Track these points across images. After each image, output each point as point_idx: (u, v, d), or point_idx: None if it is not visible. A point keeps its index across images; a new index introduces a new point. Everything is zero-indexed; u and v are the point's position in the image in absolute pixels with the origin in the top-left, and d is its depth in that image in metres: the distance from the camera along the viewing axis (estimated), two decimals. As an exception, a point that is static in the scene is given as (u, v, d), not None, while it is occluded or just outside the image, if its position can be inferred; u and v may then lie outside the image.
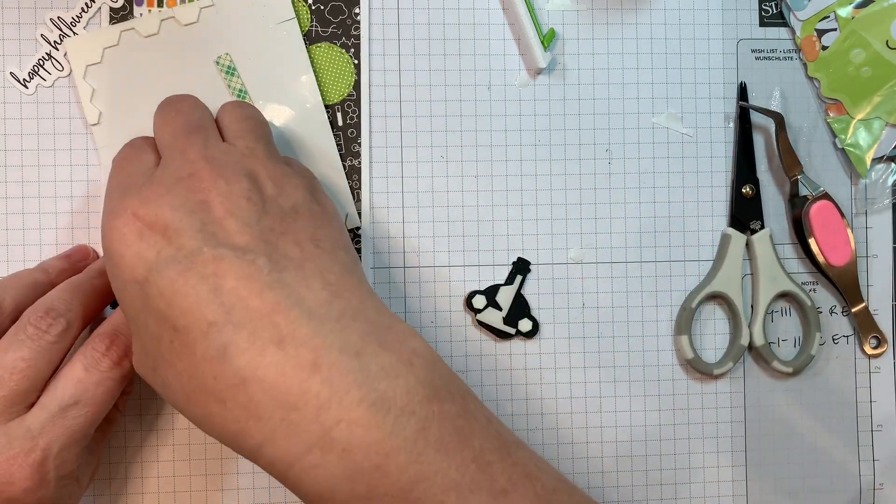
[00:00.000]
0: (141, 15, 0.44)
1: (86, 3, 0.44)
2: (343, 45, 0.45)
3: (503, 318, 0.46)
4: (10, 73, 0.44)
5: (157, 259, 0.32)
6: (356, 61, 0.45)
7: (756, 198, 0.47)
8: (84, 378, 0.36)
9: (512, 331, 0.46)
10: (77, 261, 0.43)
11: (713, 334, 0.48)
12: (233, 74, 0.44)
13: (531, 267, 0.46)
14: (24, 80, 0.44)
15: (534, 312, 0.46)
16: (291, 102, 0.45)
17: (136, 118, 0.44)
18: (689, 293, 0.47)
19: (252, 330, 0.31)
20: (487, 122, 0.46)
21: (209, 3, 0.44)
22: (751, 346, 0.47)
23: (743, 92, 0.47)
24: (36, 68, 0.44)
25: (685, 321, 0.46)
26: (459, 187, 0.46)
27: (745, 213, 0.47)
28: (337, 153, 0.45)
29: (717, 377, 0.47)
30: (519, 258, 0.46)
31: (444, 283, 0.46)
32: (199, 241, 0.32)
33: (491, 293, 0.46)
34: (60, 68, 0.44)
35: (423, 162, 0.46)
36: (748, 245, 0.47)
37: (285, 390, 0.31)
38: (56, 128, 0.44)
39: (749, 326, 0.46)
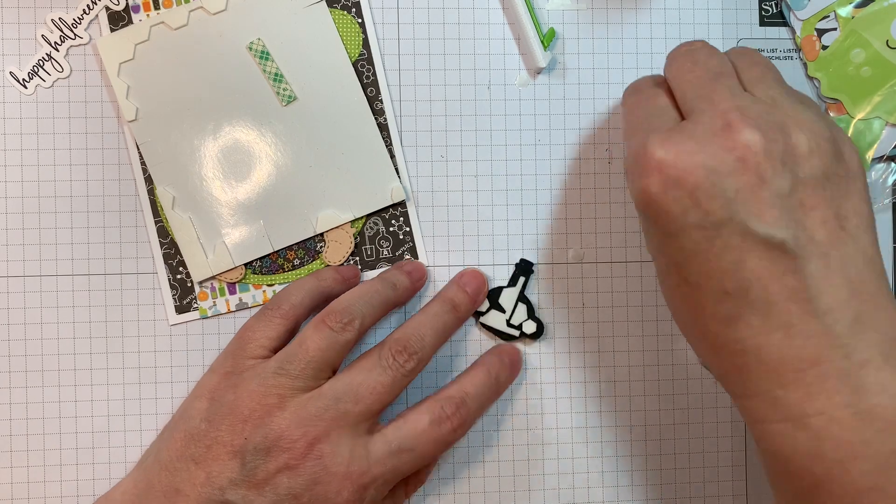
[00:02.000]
0: (140, 21, 0.44)
1: (87, 6, 0.44)
2: (344, 7, 0.45)
3: (506, 321, 0.46)
4: (10, 72, 0.44)
5: (683, 218, 0.32)
6: (360, 20, 0.45)
7: None
8: (427, 432, 0.39)
9: (516, 333, 0.46)
10: (417, 280, 0.45)
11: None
12: (267, 59, 0.44)
13: (534, 268, 0.46)
14: (23, 80, 0.44)
15: (538, 313, 0.46)
16: (328, 84, 0.45)
17: (173, 111, 0.44)
18: None
19: (765, 313, 0.32)
20: (487, 122, 0.46)
21: None
22: None
23: None
24: (36, 69, 0.44)
25: None
26: (459, 187, 0.46)
27: None
28: (378, 132, 0.45)
29: None
30: (522, 259, 0.46)
31: (444, 284, 0.46)
32: (730, 212, 0.32)
33: (494, 295, 0.46)
34: (60, 69, 0.44)
35: (423, 162, 0.46)
36: None
37: (780, 372, 0.32)
38: (56, 128, 0.44)
39: None
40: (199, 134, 0.44)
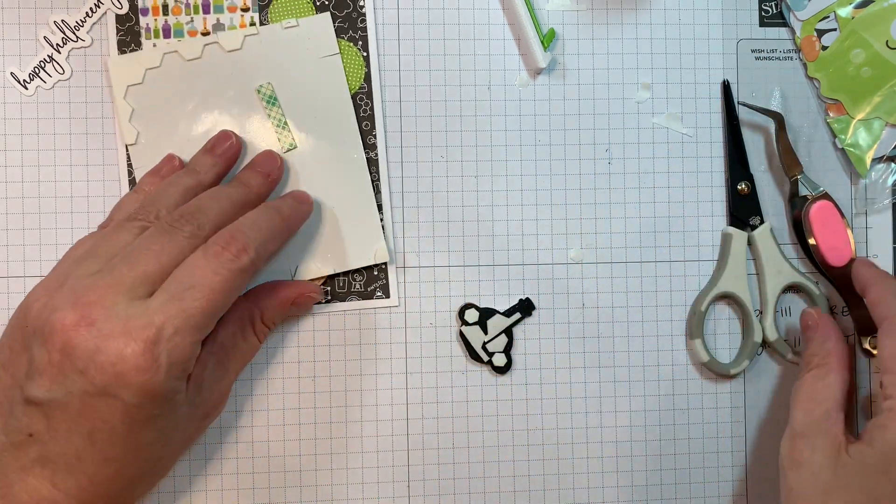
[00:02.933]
0: (147, 25, 0.44)
1: (90, 8, 0.44)
2: (350, 39, 0.45)
3: (483, 343, 0.46)
4: (11, 73, 0.44)
5: None
6: (364, 53, 0.45)
7: (752, 194, 0.47)
8: (202, 264, 0.36)
9: (485, 358, 0.46)
10: (223, 152, 0.43)
11: (723, 334, 0.47)
12: (273, 104, 0.44)
13: (534, 311, 0.46)
14: (24, 80, 0.44)
15: (513, 350, 0.46)
16: (331, 137, 0.45)
17: (172, 141, 0.44)
18: (697, 296, 0.47)
19: None
20: (487, 122, 0.46)
21: (254, 31, 0.44)
22: (764, 343, 0.47)
23: (727, 90, 0.47)
24: (37, 70, 0.44)
25: (696, 324, 0.46)
26: (459, 187, 0.46)
27: (743, 211, 0.47)
28: (372, 193, 0.45)
29: (732, 377, 0.47)
30: (527, 299, 0.46)
31: (443, 283, 0.46)
32: None
33: (485, 314, 0.46)
34: (62, 71, 0.44)
35: (423, 162, 0.46)
36: (750, 242, 0.47)
37: None
38: (56, 128, 0.44)
39: (761, 322, 0.46)
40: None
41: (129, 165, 0.44)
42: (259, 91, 0.44)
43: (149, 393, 0.35)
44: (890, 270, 0.48)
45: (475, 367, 0.46)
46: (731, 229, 0.47)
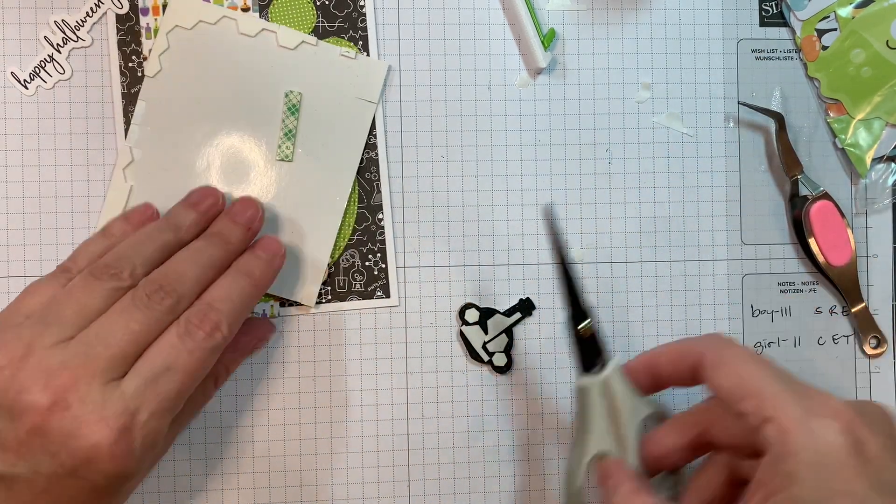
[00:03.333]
0: (147, 25, 0.44)
1: (90, 8, 0.44)
2: (350, 39, 0.45)
3: (483, 343, 0.46)
4: (11, 73, 0.44)
5: None
6: (365, 54, 0.45)
7: (594, 333, 0.40)
8: (177, 345, 0.36)
9: (485, 358, 0.46)
10: (206, 210, 0.42)
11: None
12: (293, 113, 0.44)
13: (535, 311, 0.46)
14: (24, 80, 0.44)
15: (513, 349, 0.46)
16: (326, 171, 0.45)
17: (185, 91, 0.44)
18: (568, 472, 0.40)
19: None
20: (487, 122, 0.46)
21: (313, 41, 0.45)
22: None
23: (548, 213, 0.41)
24: (37, 70, 0.44)
25: (576, 499, 0.39)
26: (459, 187, 0.46)
27: (591, 354, 0.40)
28: (333, 239, 0.45)
29: None
30: (527, 299, 0.46)
31: (443, 283, 0.46)
32: None
33: (485, 314, 0.46)
34: (62, 71, 0.44)
35: (423, 162, 0.46)
36: (604, 385, 0.39)
37: None
38: (56, 128, 0.44)
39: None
40: (191, 133, 0.44)
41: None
42: (287, 95, 0.44)
43: (120, 475, 0.34)
44: (890, 270, 0.48)
45: (475, 367, 0.46)
46: (586, 380, 0.39)
